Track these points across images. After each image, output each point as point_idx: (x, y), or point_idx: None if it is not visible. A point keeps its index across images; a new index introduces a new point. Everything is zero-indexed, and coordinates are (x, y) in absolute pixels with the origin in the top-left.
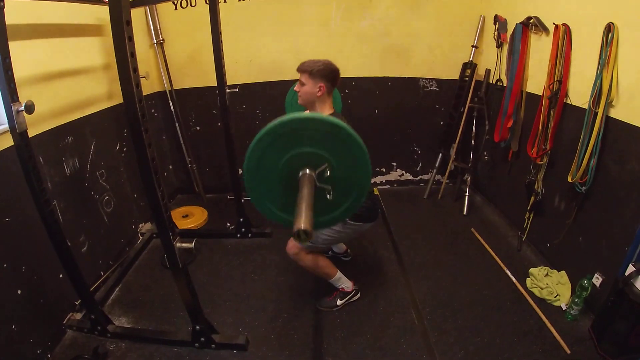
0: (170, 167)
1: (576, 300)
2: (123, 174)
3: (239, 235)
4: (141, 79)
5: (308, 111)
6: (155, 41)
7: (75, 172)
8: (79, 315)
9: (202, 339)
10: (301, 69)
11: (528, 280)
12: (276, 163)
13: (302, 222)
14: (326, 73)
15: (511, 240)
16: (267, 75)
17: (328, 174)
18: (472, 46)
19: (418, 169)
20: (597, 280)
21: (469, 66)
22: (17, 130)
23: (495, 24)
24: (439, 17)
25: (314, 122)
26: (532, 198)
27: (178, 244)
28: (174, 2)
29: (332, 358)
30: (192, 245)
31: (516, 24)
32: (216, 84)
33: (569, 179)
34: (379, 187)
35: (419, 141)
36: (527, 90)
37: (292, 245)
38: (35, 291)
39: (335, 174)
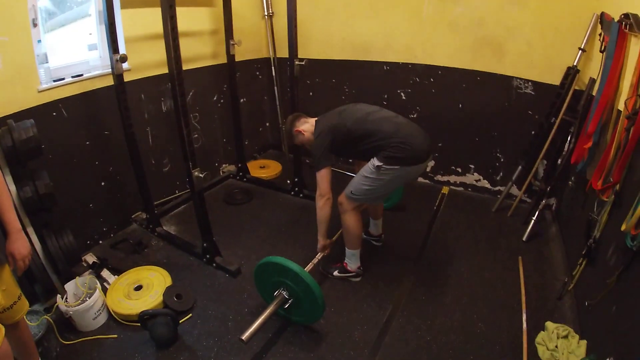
0: (267, 124)
1: None
2: (216, 120)
3: (292, 193)
4: (234, 45)
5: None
6: (266, 13)
7: (170, 110)
8: (145, 215)
9: (208, 256)
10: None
11: (540, 334)
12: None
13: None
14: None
15: (558, 285)
16: (358, 54)
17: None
18: (579, 49)
19: (498, 178)
20: None
21: (571, 71)
22: (115, 73)
23: (601, 23)
24: (543, 9)
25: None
26: (590, 242)
27: (196, 173)
28: None
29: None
30: (202, 175)
31: (613, 22)
32: (315, 56)
33: (622, 227)
34: (451, 186)
35: (503, 147)
36: (620, 107)
37: (343, 197)
38: (116, 187)
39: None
